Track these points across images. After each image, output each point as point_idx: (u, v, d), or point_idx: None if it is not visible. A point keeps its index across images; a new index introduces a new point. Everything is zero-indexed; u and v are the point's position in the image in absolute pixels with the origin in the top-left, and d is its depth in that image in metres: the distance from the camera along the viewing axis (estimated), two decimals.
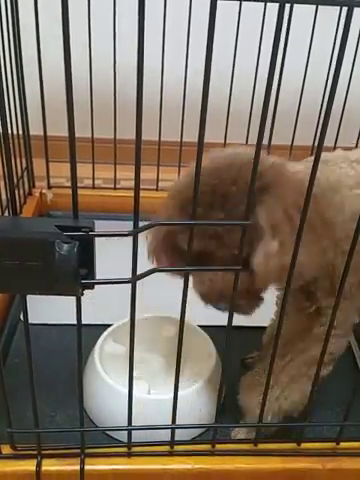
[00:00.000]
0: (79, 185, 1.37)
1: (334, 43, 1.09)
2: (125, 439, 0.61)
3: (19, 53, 1.09)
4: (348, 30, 0.39)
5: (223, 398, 0.77)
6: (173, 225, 0.56)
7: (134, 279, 0.48)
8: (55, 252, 0.42)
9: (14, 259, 0.43)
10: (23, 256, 0.43)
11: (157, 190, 1.26)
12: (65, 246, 0.42)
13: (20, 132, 1.14)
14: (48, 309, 0.86)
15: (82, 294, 0.47)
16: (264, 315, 0.81)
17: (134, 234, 0.46)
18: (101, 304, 0.83)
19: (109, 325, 0.82)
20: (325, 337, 0.56)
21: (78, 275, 0.44)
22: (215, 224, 0.55)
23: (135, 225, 0.46)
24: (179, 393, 0.70)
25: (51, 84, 1.13)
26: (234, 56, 1.15)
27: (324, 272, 0.61)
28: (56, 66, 1.01)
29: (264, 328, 0.83)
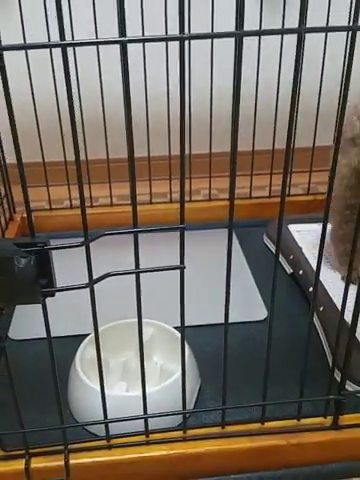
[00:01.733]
0: (58, 206, 1.45)
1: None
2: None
3: None
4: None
5: (198, 388, 0.85)
6: (123, 233, 0.62)
7: (91, 284, 0.55)
8: (14, 266, 0.49)
9: None
10: None
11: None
12: (23, 260, 0.49)
13: None
14: (33, 325, 0.92)
15: (44, 302, 0.53)
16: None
17: (86, 244, 0.53)
18: (84, 315, 0.89)
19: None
20: None
21: (37, 284, 0.51)
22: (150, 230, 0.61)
23: (85, 237, 0.52)
24: (155, 388, 0.77)
25: (20, 112, 1.20)
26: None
27: None
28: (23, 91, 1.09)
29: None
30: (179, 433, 0.70)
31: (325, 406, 0.72)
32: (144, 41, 0.47)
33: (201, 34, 0.47)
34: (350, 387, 0.82)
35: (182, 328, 0.63)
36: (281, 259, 1.20)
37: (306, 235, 1.22)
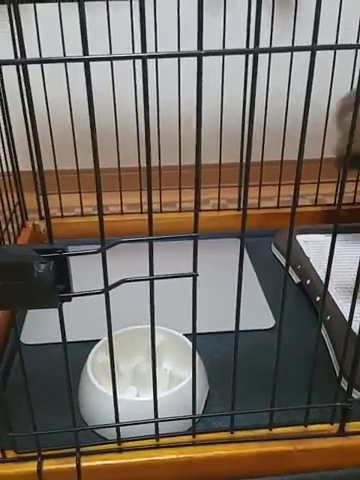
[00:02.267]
0: (70, 214, 1.47)
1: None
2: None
3: (2, 87, 1.19)
4: None
5: (207, 395, 0.86)
6: (138, 242, 0.64)
7: (106, 290, 0.57)
8: (34, 271, 0.51)
9: (1, 280, 0.52)
10: (8, 277, 0.51)
11: (141, 213, 1.37)
12: (42, 266, 0.51)
13: (10, 169, 1.24)
14: (48, 330, 0.94)
15: (61, 306, 0.55)
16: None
17: (102, 251, 0.55)
18: (94, 321, 0.91)
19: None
20: None
21: (55, 289, 0.53)
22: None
23: (102, 243, 0.54)
24: (164, 394, 0.78)
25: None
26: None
27: None
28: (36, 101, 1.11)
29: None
30: (188, 437, 0.71)
31: (332, 413, 0.73)
32: (163, 57, 0.49)
33: (217, 51, 0.49)
34: (356, 395, 0.84)
35: (193, 335, 0.65)
36: (289, 269, 1.22)
37: (313, 245, 1.24)
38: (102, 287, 0.57)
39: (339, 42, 1.17)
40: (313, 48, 0.50)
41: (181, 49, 1.18)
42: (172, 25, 1.17)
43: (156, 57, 0.49)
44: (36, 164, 0.51)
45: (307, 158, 1.27)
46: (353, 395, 0.81)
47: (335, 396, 0.72)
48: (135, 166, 1.31)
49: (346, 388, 0.74)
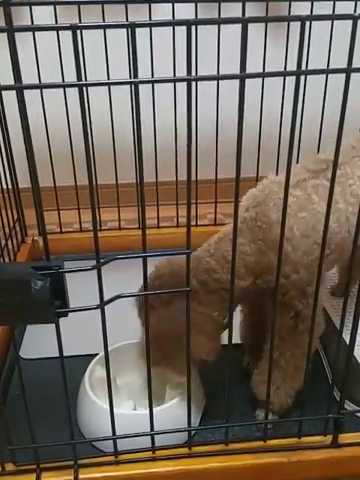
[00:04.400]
0: (69, 229, 1.48)
1: None
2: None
3: (2, 108, 1.21)
4: None
5: (203, 408, 0.87)
6: (133, 258, 0.66)
7: (102, 305, 0.59)
8: (31, 288, 0.53)
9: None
10: (6, 294, 0.53)
11: (139, 228, 1.38)
12: (39, 282, 0.53)
13: (10, 186, 1.26)
14: (47, 345, 0.95)
15: (57, 321, 0.57)
16: None
17: (98, 268, 0.57)
18: (92, 336, 0.92)
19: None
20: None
21: (52, 305, 0.54)
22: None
23: (97, 260, 0.56)
24: (161, 407, 0.79)
25: (33, 139, 1.25)
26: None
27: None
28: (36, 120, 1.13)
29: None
30: (184, 450, 0.73)
31: (325, 425, 0.74)
32: (154, 82, 0.51)
33: (207, 76, 0.52)
34: (349, 407, 0.85)
35: (188, 348, 0.66)
36: None
37: None
38: (98, 302, 0.59)
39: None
40: (300, 73, 0.52)
41: (177, 69, 1.22)
42: (168, 48, 1.20)
43: (148, 82, 0.51)
44: (32, 180, 0.53)
45: None
46: (346, 406, 0.82)
47: (328, 408, 0.73)
48: (133, 182, 1.34)
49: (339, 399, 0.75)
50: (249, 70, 0.50)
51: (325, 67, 1.19)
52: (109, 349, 0.90)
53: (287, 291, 0.75)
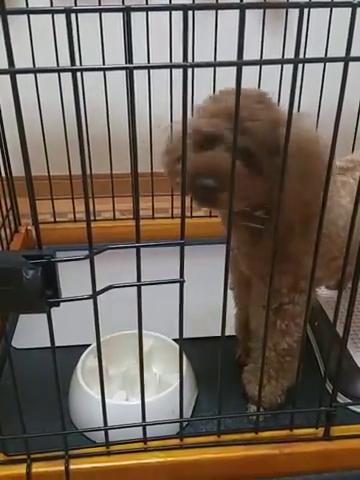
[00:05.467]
0: (62, 219, 1.47)
1: None
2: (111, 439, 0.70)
3: None
4: None
5: (195, 398, 0.87)
6: (126, 248, 0.65)
7: (94, 295, 0.58)
8: (22, 277, 0.52)
9: None
10: None
11: (134, 219, 1.37)
12: (30, 272, 0.52)
13: (3, 174, 1.25)
14: (40, 335, 0.95)
15: (49, 311, 0.56)
16: None
17: (90, 257, 0.56)
18: (85, 326, 0.92)
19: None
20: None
21: (44, 295, 0.54)
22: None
23: (90, 250, 0.56)
24: (153, 398, 0.79)
25: (28, 126, 1.24)
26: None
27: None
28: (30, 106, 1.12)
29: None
30: (176, 441, 0.72)
31: (317, 417, 0.74)
32: (149, 68, 0.50)
33: (204, 63, 0.51)
34: (341, 399, 0.85)
35: (180, 340, 0.66)
36: None
37: None
38: (91, 292, 0.58)
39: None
40: (297, 61, 0.51)
41: (174, 57, 1.20)
42: (165, 35, 1.19)
43: (143, 68, 0.50)
44: (25, 168, 0.52)
45: None
46: (338, 399, 0.82)
47: (320, 401, 0.73)
48: (128, 172, 1.32)
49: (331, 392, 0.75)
50: (246, 58, 0.49)
51: (323, 55, 1.19)
52: (102, 339, 0.91)
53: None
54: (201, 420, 0.81)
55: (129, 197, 1.39)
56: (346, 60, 0.52)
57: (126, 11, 0.47)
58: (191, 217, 1.41)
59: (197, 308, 1.08)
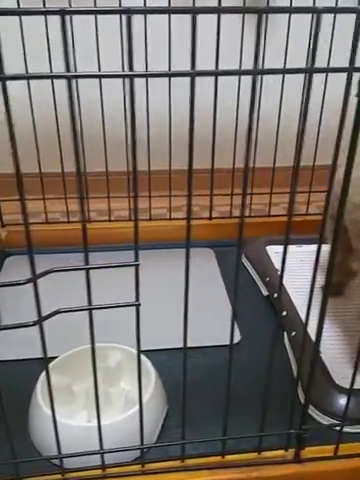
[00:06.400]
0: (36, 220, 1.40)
1: None
2: (71, 465, 0.68)
3: None
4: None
5: (164, 419, 0.83)
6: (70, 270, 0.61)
7: (39, 321, 0.54)
8: None
9: None
10: None
11: (110, 221, 1.34)
12: None
13: None
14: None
15: None
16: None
17: (34, 281, 0.52)
18: (55, 337, 0.87)
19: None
20: None
21: None
22: None
23: (33, 273, 0.52)
24: (118, 418, 0.76)
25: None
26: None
27: None
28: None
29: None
30: (138, 467, 0.69)
31: (287, 439, 0.71)
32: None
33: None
34: (318, 417, 0.82)
35: (138, 360, 0.62)
36: (257, 281, 1.19)
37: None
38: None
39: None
40: (256, 72, 0.47)
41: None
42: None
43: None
44: None
45: (280, 166, 1.26)
46: (311, 413, 0.79)
47: (289, 423, 0.69)
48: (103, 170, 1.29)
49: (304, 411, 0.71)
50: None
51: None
52: (66, 354, 0.87)
53: None
54: (162, 446, 0.77)
55: (105, 198, 1.35)
56: (310, 72, 0.48)
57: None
58: (170, 219, 1.38)
59: (172, 316, 1.04)
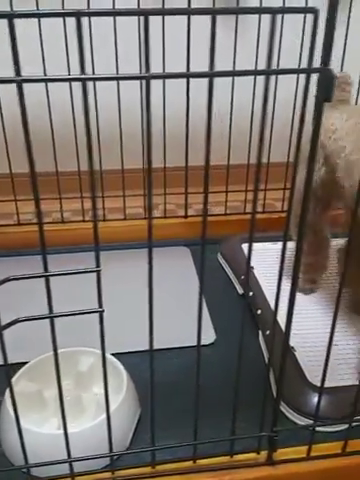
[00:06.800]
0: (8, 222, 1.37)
1: None
2: (42, 474, 0.67)
3: None
4: None
5: (136, 423, 0.82)
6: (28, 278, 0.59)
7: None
8: None
9: None
10: None
11: (84, 221, 1.33)
12: None
13: None
14: None
15: None
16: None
17: None
18: (26, 341, 0.86)
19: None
20: None
21: None
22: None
23: None
24: (89, 425, 0.74)
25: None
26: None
27: None
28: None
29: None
30: (107, 474, 0.68)
31: (259, 442, 0.70)
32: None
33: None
34: (288, 413, 0.81)
35: (104, 373, 0.61)
36: (233, 279, 1.19)
37: (258, 254, 1.20)
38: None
39: None
40: (211, 74, 0.46)
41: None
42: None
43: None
44: None
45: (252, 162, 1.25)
46: (282, 410, 0.79)
47: (261, 425, 0.69)
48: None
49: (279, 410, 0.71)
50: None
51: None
52: (37, 359, 0.86)
53: None
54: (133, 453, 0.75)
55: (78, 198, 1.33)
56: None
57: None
58: (145, 218, 1.36)
59: (146, 316, 1.03)
